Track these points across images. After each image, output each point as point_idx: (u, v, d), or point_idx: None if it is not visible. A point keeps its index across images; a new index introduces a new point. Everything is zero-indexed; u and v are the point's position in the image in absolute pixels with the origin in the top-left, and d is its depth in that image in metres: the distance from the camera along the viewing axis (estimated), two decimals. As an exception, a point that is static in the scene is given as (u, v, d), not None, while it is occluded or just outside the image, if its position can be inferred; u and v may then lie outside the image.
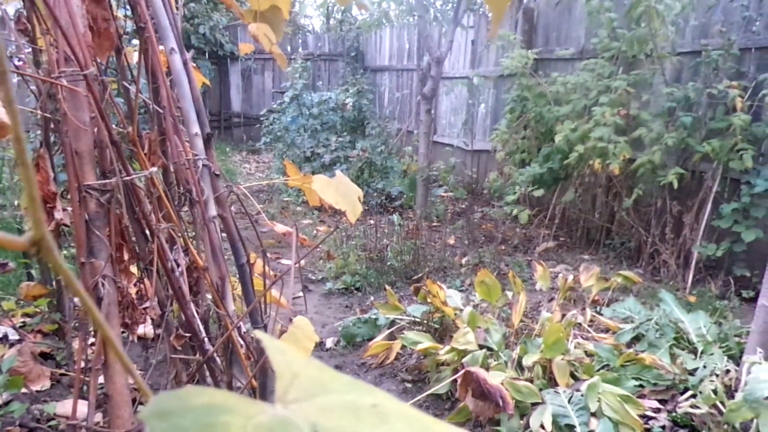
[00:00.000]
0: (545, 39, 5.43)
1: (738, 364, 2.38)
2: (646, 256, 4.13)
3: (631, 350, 2.62)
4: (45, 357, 2.43)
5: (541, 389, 2.26)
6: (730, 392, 2.26)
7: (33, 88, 1.63)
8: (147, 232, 1.33)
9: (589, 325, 2.90)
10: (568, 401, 2.17)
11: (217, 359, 1.38)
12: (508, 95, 5.24)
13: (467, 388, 1.82)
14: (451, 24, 5.39)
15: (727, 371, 2.35)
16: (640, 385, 2.39)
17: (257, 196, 6.31)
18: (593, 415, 2.11)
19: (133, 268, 1.38)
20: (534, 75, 4.99)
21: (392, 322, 2.96)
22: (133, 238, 1.33)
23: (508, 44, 5.43)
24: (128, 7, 1.31)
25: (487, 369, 2.35)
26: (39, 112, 1.55)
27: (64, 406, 2.05)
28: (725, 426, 2.07)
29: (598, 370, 2.45)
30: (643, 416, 2.20)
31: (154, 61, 1.30)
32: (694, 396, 2.28)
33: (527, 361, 2.42)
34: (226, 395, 0.23)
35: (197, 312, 1.35)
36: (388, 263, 3.99)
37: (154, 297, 1.33)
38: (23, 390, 2.04)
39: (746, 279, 3.63)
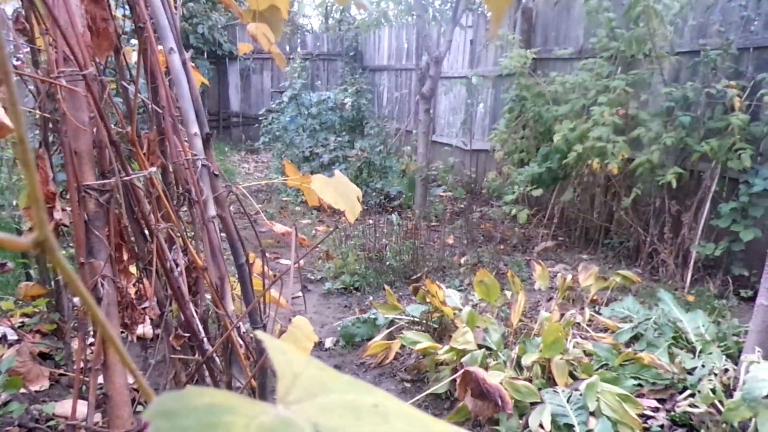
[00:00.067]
0: (544, 39, 5.43)
1: (736, 363, 2.38)
2: (645, 255, 4.14)
3: (629, 349, 2.63)
4: (44, 357, 2.43)
5: (540, 389, 2.27)
6: (729, 391, 2.27)
7: (31, 87, 1.63)
8: (146, 232, 1.33)
9: (587, 325, 2.91)
10: (567, 401, 2.17)
11: (217, 359, 1.38)
12: (507, 95, 5.24)
13: (466, 387, 1.83)
14: (449, 24, 5.39)
15: (726, 370, 2.36)
16: (639, 385, 2.40)
17: (256, 196, 6.31)
18: (592, 414, 2.11)
19: (132, 268, 1.38)
20: (533, 75, 4.99)
21: (391, 322, 2.96)
22: (132, 238, 1.33)
23: (506, 44, 5.44)
24: (127, 6, 1.31)
25: (486, 368, 2.36)
26: (38, 111, 1.55)
27: (62, 406, 2.05)
28: (724, 425, 2.07)
29: (597, 370, 2.46)
30: (641, 415, 2.20)
31: (153, 61, 1.30)
32: (692, 395, 2.28)
33: (526, 361, 2.42)
34: (228, 396, 0.23)
35: (196, 312, 1.35)
36: (387, 263, 3.99)
37: (153, 297, 1.33)
38: (22, 390, 2.04)
39: (745, 278, 3.63)
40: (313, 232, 4.95)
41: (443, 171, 6.41)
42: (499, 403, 1.71)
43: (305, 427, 0.23)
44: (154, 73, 1.33)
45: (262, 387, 1.32)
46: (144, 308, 1.35)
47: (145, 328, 1.71)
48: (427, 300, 2.84)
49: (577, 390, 2.23)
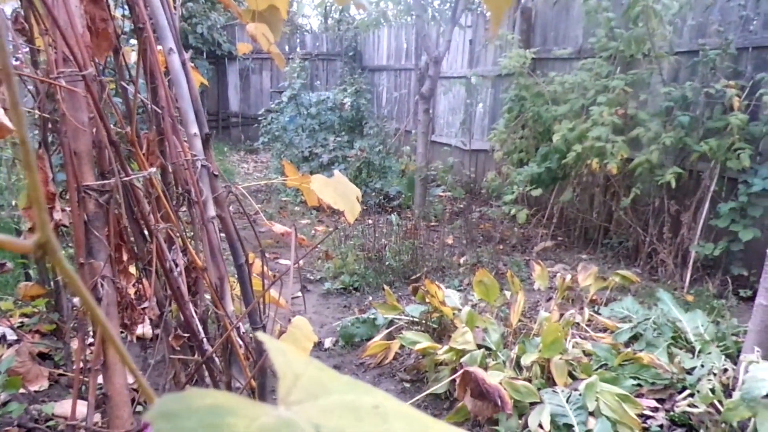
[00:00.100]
0: (543, 38, 5.43)
1: (735, 363, 2.39)
2: (644, 255, 4.14)
3: (629, 349, 2.63)
4: (43, 357, 2.43)
5: (539, 389, 2.27)
6: (728, 391, 2.27)
7: (30, 87, 1.63)
8: (145, 232, 1.33)
9: (587, 325, 2.91)
10: (567, 401, 2.17)
11: (216, 359, 1.38)
12: (506, 95, 5.24)
13: (466, 387, 1.83)
14: (449, 24, 5.40)
15: (725, 370, 2.36)
16: (638, 385, 2.40)
17: (255, 196, 6.31)
18: (591, 414, 2.12)
19: (132, 269, 1.38)
20: (532, 74, 5.00)
21: (391, 322, 2.96)
22: (132, 239, 1.33)
23: (505, 44, 5.44)
24: (126, 6, 1.31)
25: (486, 369, 2.36)
26: (37, 112, 1.55)
27: (62, 407, 2.05)
28: (723, 425, 2.07)
29: (596, 370, 2.46)
30: (641, 415, 2.20)
31: (153, 61, 1.30)
32: (691, 395, 2.28)
33: (525, 361, 2.42)
34: (230, 397, 0.23)
35: (196, 312, 1.35)
36: (387, 263, 3.99)
37: (152, 297, 1.33)
38: (21, 390, 2.04)
39: (744, 278, 3.64)
40: (313, 232, 4.95)
41: (442, 171, 6.41)
42: (499, 403, 1.71)
43: (306, 428, 0.23)
44: (153, 74, 1.33)
45: (262, 387, 1.32)
46: (143, 308, 1.35)
47: (144, 329, 1.71)
48: (427, 300, 2.84)
49: (576, 390, 2.23)
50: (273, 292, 1.53)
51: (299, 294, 3.38)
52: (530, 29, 5.55)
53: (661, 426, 2.20)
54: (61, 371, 2.33)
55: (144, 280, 1.41)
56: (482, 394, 1.75)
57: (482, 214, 5.55)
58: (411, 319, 2.94)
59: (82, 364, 1.25)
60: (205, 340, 1.35)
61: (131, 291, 1.36)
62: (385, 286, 3.32)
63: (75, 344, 2.22)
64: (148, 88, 1.40)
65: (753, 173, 3.54)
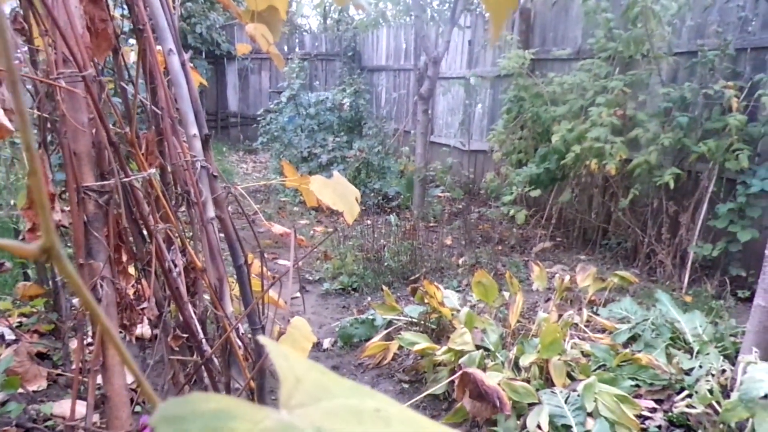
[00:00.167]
0: (542, 39, 5.44)
1: (734, 364, 2.39)
2: (643, 256, 4.14)
3: (627, 350, 2.63)
4: (42, 357, 2.43)
5: (537, 389, 2.27)
6: (726, 392, 2.27)
7: (29, 87, 1.63)
8: (145, 233, 1.33)
9: (585, 326, 2.91)
10: (565, 401, 2.17)
11: (215, 360, 1.38)
12: (505, 95, 5.24)
13: (464, 388, 1.83)
14: (448, 24, 5.40)
15: (723, 371, 2.36)
16: (637, 385, 2.40)
17: (254, 197, 6.30)
18: (590, 415, 2.12)
19: (131, 269, 1.38)
20: (531, 75, 5.00)
21: (389, 323, 2.96)
22: (131, 239, 1.33)
23: (505, 44, 5.44)
24: (125, 6, 1.31)
25: (484, 369, 2.36)
26: (36, 112, 1.55)
27: (60, 407, 2.05)
28: (721, 425, 2.08)
29: (595, 371, 2.46)
30: (639, 416, 2.20)
31: (152, 62, 1.30)
32: (690, 396, 2.29)
33: (524, 362, 2.42)
34: (233, 401, 0.23)
35: (195, 313, 1.35)
36: (385, 264, 3.99)
37: (151, 298, 1.33)
38: (20, 390, 2.04)
39: (742, 279, 3.64)
40: (312, 232, 4.95)
41: (441, 171, 6.41)
42: (497, 404, 1.72)
43: (308, 432, 0.23)
44: (153, 74, 1.33)
45: (261, 388, 1.32)
46: (142, 309, 1.35)
47: (143, 329, 1.71)
48: (426, 301, 2.85)
49: (574, 391, 2.23)
50: (272, 292, 1.53)
51: (298, 294, 3.37)
52: (529, 30, 5.56)
53: (659, 427, 2.20)
54: (59, 371, 2.32)
55: (143, 281, 1.41)
56: (481, 395, 1.75)
57: (481, 215, 5.55)
58: (410, 319, 2.94)
59: (80, 364, 1.25)
60: (204, 340, 1.35)
61: (130, 291, 1.36)
62: (384, 287, 3.32)
63: (74, 344, 2.22)
64: (148, 88, 1.40)
65: (751, 174, 3.54)
